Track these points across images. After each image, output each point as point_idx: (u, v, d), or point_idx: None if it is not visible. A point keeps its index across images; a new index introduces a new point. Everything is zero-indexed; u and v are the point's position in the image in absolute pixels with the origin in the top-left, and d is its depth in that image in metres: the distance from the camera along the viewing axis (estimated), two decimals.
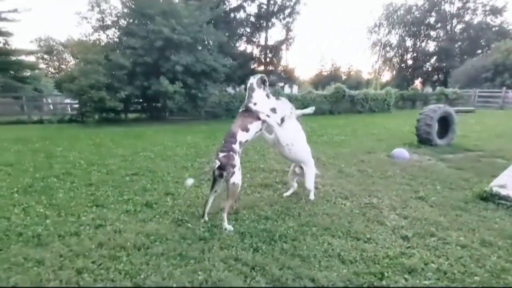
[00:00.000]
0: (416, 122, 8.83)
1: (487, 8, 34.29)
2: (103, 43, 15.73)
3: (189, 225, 3.47)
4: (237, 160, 3.45)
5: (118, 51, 14.56)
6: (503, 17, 33.82)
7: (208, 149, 8.14)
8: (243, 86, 23.33)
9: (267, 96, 3.89)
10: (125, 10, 15.69)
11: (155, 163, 6.43)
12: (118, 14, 15.96)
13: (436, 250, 2.98)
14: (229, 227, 3.33)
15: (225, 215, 3.36)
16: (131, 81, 14.65)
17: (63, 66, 35.63)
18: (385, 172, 5.93)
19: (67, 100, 19.10)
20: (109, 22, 16.03)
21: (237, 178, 3.40)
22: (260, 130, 3.83)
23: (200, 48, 15.54)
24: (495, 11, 34.09)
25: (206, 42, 16.67)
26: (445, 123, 8.90)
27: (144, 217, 3.66)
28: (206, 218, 3.58)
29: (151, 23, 14.38)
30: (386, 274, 2.55)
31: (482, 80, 25.32)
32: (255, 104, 3.69)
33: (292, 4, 22.34)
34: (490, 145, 8.69)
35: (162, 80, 14.03)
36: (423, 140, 8.64)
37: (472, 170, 6.07)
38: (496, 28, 33.78)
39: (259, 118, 3.66)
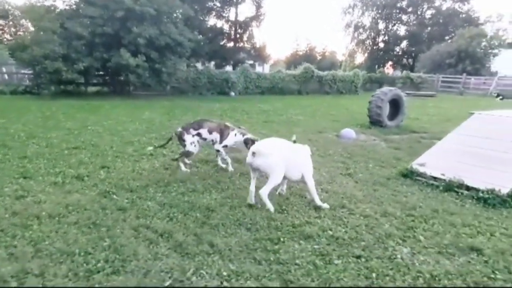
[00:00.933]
0: (368, 104, 9.20)
1: None
2: (58, 10, 14.81)
3: (114, 196, 3.56)
4: (187, 137, 4.54)
5: (74, 20, 13.78)
6: (470, 4, 34.84)
7: (161, 125, 8.12)
8: (212, 63, 23.00)
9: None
10: None
11: (101, 137, 6.37)
12: None
13: (340, 220, 3.26)
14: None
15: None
16: (90, 53, 14.03)
17: (21, 33, 33.29)
18: (327, 150, 6.22)
19: (25, 70, 18.03)
20: None
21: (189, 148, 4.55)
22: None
23: (165, 20, 15.02)
24: None
25: (172, 15, 16.13)
26: (395, 106, 9.32)
27: (70, 188, 3.70)
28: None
29: None
30: (282, 240, 2.78)
31: (446, 66, 26.30)
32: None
33: None
34: (436, 128, 9.22)
35: (123, 53, 13.56)
36: (374, 122, 9.04)
37: (409, 150, 6.49)
38: (464, 15, 34.80)
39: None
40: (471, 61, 24.78)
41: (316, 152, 6.04)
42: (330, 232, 2.96)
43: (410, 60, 37.20)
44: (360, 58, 41.06)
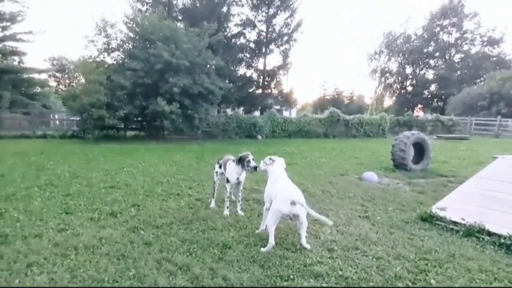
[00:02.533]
0: (391, 148, 9.24)
1: (485, 39, 35.19)
2: (106, 65, 16.66)
3: (141, 232, 3.90)
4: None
5: (119, 73, 15.42)
6: (501, 47, 34.63)
7: (190, 167, 8.62)
8: (242, 108, 24.12)
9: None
10: (130, 35, 16.73)
11: (135, 178, 6.92)
12: (124, 38, 17.02)
13: (352, 261, 3.34)
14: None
15: None
16: (131, 101, 15.45)
17: (74, 85, 37.08)
18: (347, 193, 6.30)
19: (74, 117, 19.94)
20: (114, 45, 17.08)
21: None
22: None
23: (198, 71, 16.36)
24: (493, 42, 34.96)
25: (205, 66, 17.55)
26: (420, 150, 9.28)
27: (104, 224, 4.10)
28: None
29: (152, 47, 15.31)
30: (292, 277, 2.93)
31: (478, 108, 25.72)
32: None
33: (289, 32, 23.41)
34: (465, 171, 8.94)
35: (159, 101, 14.79)
36: (398, 165, 9.00)
37: (433, 194, 6.39)
38: (495, 58, 34.49)
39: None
40: (505, 103, 24.08)
41: (336, 195, 6.16)
42: (340, 272, 3.07)
43: (440, 103, 36.66)
44: (388, 101, 41.12)
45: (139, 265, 3.03)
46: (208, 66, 17.73)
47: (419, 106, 38.18)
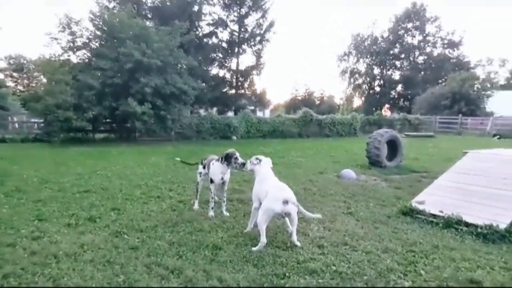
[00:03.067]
0: (366, 146, 9.51)
1: (445, 42, 37.38)
2: (72, 64, 15.85)
3: (125, 236, 3.72)
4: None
5: (87, 72, 14.73)
6: (460, 50, 36.96)
7: (167, 169, 8.39)
8: (215, 109, 23.89)
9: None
10: (97, 32, 16.03)
11: (110, 181, 6.61)
12: (90, 36, 16.27)
13: (343, 256, 3.38)
14: None
15: None
16: (99, 102, 14.78)
17: (33, 85, 35.01)
18: (328, 190, 6.39)
19: (34, 119, 18.78)
20: (79, 44, 16.28)
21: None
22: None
23: (170, 71, 15.99)
24: (453, 45, 37.22)
25: (177, 66, 17.19)
26: (393, 147, 9.63)
27: (83, 229, 3.87)
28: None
29: (122, 46, 14.75)
30: (288, 275, 2.91)
31: (442, 107, 27.20)
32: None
33: (262, 32, 23.54)
34: (436, 167, 9.35)
35: (130, 101, 14.26)
36: (374, 162, 9.26)
37: (409, 189, 6.63)
38: (454, 60, 36.72)
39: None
40: (465, 102, 25.67)
41: (318, 192, 6.24)
42: (334, 268, 3.08)
43: (407, 103, 38.46)
44: (357, 101, 42.49)
45: (128, 270, 2.87)
46: (180, 66, 17.40)
47: (387, 105, 39.84)
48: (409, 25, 37.54)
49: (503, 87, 34.14)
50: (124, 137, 17.35)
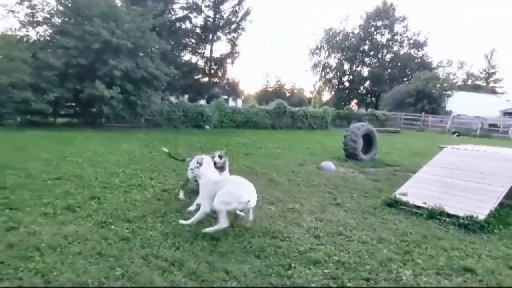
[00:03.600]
0: (343, 138, 9.70)
1: (411, 42, 39.12)
2: (31, 40, 14.54)
3: (112, 226, 3.46)
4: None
5: (48, 50, 13.59)
6: (424, 50, 38.88)
7: (143, 156, 8.00)
8: (186, 96, 23.21)
9: None
10: (60, 8, 14.81)
11: (83, 169, 6.16)
12: (52, 11, 15.00)
13: (341, 246, 3.39)
14: None
15: None
16: (61, 83, 13.70)
17: None
18: (311, 181, 6.43)
19: None
20: (40, 19, 14.96)
21: None
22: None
23: (141, 54, 15.21)
24: (418, 45, 39.05)
25: (148, 49, 16.40)
26: (369, 140, 9.90)
27: (63, 219, 3.54)
28: None
29: (88, 24, 13.75)
30: (293, 265, 2.85)
31: (407, 105, 28.56)
32: None
33: (238, 20, 23.08)
34: (406, 161, 9.83)
35: (97, 84, 13.38)
36: (350, 155, 9.47)
37: (387, 181, 6.86)
38: (419, 60, 38.58)
39: None
40: (428, 101, 27.16)
41: (302, 183, 6.26)
42: (336, 258, 3.07)
43: (374, 99, 39.92)
44: (327, 95, 43.41)
45: (124, 263, 2.65)
46: (152, 49, 16.61)
47: (355, 101, 41.11)
48: (379, 23, 38.76)
49: (460, 88, 36.53)
50: (88, 122, 16.29)
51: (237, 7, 23.03)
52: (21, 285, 2.26)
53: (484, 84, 54.13)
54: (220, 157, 4.73)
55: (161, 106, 17.82)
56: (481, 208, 4.40)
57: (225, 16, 23.10)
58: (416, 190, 5.17)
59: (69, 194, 4.50)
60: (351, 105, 37.37)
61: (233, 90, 24.91)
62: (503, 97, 46.42)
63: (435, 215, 4.47)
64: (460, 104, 29.51)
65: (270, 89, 40.61)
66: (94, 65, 13.98)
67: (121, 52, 14.29)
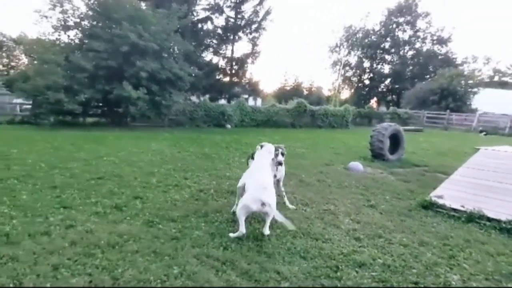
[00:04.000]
0: (370, 138, 9.62)
1: (435, 38, 38.04)
2: (63, 44, 15.15)
3: (160, 226, 3.62)
4: None
5: (79, 53, 14.12)
6: (448, 47, 37.70)
7: (174, 156, 8.21)
8: (207, 96, 23.51)
9: None
10: (89, 12, 15.33)
11: (120, 168, 6.41)
12: (81, 15, 15.54)
13: (383, 249, 3.42)
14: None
15: None
16: (92, 85, 14.23)
17: (13, 64, 33.34)
18: (342, 182, 6.45)
19: (16, 100, 17.91)
20: (71, 23, 15.53)
21: None
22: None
23: (166, 55, 15.54)
24: (441, 41, 37.93)
25: (173, 51, 16.73)
26: (395, 140, 9.78)
27: (114, 218, 3.74)
28: None
29: (116, 27, 14.19)
30: (340, 267, 2.92)
31: (430, 103, 27.84)
32: None
33: (259, 20, 23.16)
34: (434, 162, 9.65)
35: (125, 85, 13.81)
36: (376, 155, 9.39)
37: (417, 182, 6.78)
38: (442, 56, 37.48)
39: None
40: (453, 98, 26.37)
41: (332, 184, 6.28)
42: (380, 261, 3.12)
43: (395, 97, 39.12)
44: (346, 93, 42.88)
45: (180, 262, 2.80)
46: (176, 51, 16.94)
47: (375, 99, 40.43)
48: (401, 20, 37.91)
49: (486, 85, 35.26)
50: (115, 122, 16.81)
51: (258, 7, 23.12)
52: (91, 281, 2.44)
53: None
54: (283, 154, 4.62)
55: (184, 106, 18.17)
56: None
57: (246, 16, 23.24)
58: (452, 193, 5.12)
59: (114, 194, 4.72)
60: (371, 103, 36.72)
61: (253, 89, 25.03)
62: None
63: (474, 218, 4.41)
64: (486, 102, 28.47)
65: (288, 88, 40.51)
66: (122, 66, 14.43)
67: (147, 54, 14.67)
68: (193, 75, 17.41)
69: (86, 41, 14.81)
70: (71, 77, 13.71)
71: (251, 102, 27.78)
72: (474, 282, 2.81)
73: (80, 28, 15.57)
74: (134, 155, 8.00)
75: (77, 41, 15.68)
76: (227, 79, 23.98)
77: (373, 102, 40.02)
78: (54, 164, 6.29)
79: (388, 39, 38.46)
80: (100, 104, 16.74)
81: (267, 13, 22.97)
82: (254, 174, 3.87)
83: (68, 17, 15.26)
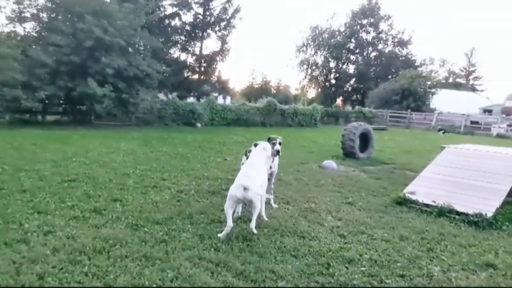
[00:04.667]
0: (341, 137, 9.93)
1: (396, 40, 40.05)
2: (19, 37, 14.10)
3: (145, 229, 3.51)
4: None
5: (38, 48, 13.22)
6: (408, 49, 39.93)
7: (147, 156, 7.97)
8: (175, 94, 23.02)
9: None
10: (48, 4, 14.40)
11: (92, 170, 6.12)
12: (39, 7, 14.56)
13: (367, 245, 3.57)
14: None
15: None
16: (53, 81, 13.43)
17: None
18: (318, 181, 6.61)
19: None
20: (27, 14, 14.51)
21: None
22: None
23: (133, 52, 15.00)
24: (402, 43, 40.03)
25: (140, 47, 16.18)
26: (365, 139, 10.17)
27: (95, 222, 3.57)
28: None
29: (79, 21, 13.44)
30: (331, 264, 3.00)
31: (392, 102, 29.29)
32: None
33: (228, 17, 23.01)
34: (401, 159, 10.16)
35: (90, 82, 13.16)
36: (348, 154, 9.71)
37: (388, 180, 7.12)
38: (403, 58, 39.58)
39: None
40: (413, 98, 27.96)
41: (310, 183, 6.42)
42: (367, 256, 3.25)
43: (359, 96, 40.68)
44: (313, 92, 43.90)
45: (173, 265, 2.73)
46: (144, 47, 16.41)
47: (341, 98, 41.78)
48: (364, 21, 39.48)
49: (442, 86, 37.76)
50: (78, 120, 15.94)
51: (227, 4, 22.97)
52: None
53: (465, 81, 56.17)
54: (280, 144, 4.71)
55: (152, 103, 17.63)
56: (488, 205, 4.67)
57: (215, 13, 23.01)
58: (423, 189, 5.42)
59: (90, 197, 4.50)
60: (337, 102, 37.93)
61: (223, 87, 24.88)
62: (483, 95, 48.42)
63: (445, 212, 4.72)
64: (442, 102, 30.54)
65: (256, 86, 40.69)
66: (86, 62, 13.75)
67: (113, 50, 14.07)
68: (162, 72, 16.95)
69: (45, 34, 13.90)
70: (30, 73, 12.82)
71: (220, 100, 27.56)
72: (453, 273, 3.01)
73: (38, 21, 14.59)
74: (105, 155, 7.66)
75: (34, 34, 14.68)
76: (196, 76, 23.64)
77: (339, 101, 41.34)
78: (19, 166, 5.86)
79: (353, 40, 39.94)
80: (62, 102, 15.80)
81: (236, 10, 22.90)
82: (243, 169, 3.99)
83: (25, 8, 14.24)
